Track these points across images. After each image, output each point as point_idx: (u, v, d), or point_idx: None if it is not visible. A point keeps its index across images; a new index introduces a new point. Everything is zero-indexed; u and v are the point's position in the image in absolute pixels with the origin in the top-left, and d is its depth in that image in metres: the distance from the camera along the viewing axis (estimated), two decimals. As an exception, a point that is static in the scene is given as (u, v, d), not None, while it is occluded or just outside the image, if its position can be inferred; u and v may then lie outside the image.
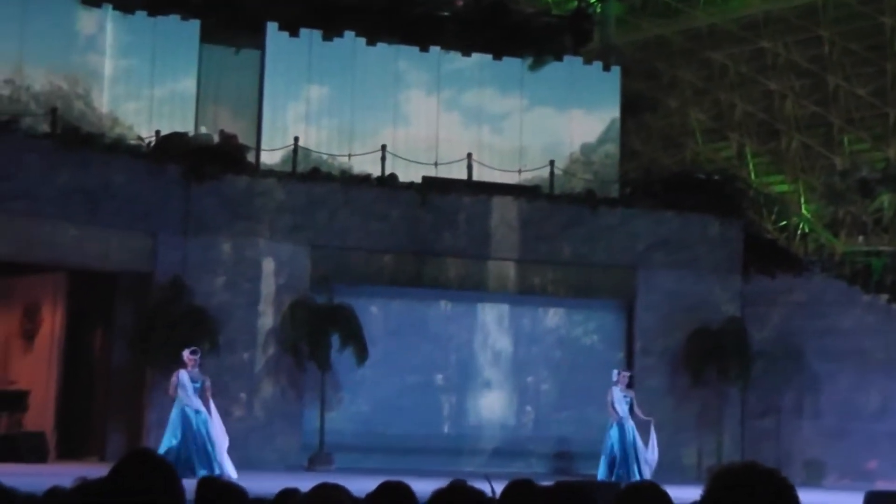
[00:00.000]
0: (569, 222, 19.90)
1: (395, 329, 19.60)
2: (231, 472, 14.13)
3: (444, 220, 19.48)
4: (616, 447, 15.88)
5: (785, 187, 30.00)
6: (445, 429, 19.78)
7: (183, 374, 14.59)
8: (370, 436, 19.04)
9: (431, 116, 21.00)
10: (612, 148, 21.76)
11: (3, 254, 17.07)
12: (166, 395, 16.62)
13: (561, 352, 20.27)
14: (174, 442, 14.43)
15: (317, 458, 18.02)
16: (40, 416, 18.23)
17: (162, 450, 14.00)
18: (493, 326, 20.08)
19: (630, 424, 15.99)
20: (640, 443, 15.93)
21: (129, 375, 18.15)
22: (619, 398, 16.07)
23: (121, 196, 17.62)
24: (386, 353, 19.25)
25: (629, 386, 16.36)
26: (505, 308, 20.17)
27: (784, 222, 28.67)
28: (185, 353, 14.84)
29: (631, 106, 22.46)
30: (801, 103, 29.45)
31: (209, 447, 14.42)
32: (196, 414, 14.53)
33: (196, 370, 14.68)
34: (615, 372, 16.45)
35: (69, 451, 18.49)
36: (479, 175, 20.35)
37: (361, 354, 18.25)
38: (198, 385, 14.55)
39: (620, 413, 15.96)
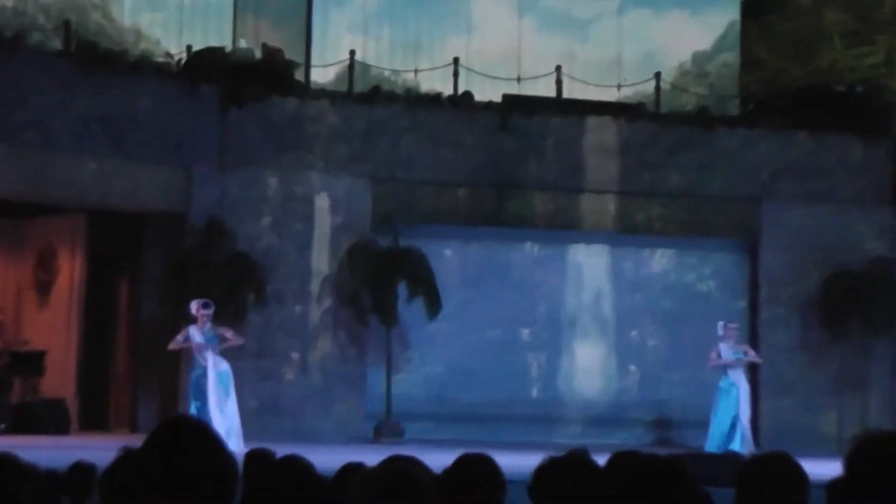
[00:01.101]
0: (678, 146, 19.57)
1: (473, 276, 19.62)
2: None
3: (529, 146, 19.29)
4: (722, 413, 16.07)
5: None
6: (533, 393, 19.80)
7: (193, 331, 14.68)
8: (445, 402, 19.07)
9: (511, 22, 20.83)
10: (731, 57, 21.55)
11: (12, 192, 17.02)
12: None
13: (670, 301, 20.09)
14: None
15: (383, 428, 18.02)
16: (59, 380, 18.16)
17: None
18: (589, 272, 20.00)
19: (739, 388, 16.13)
20: (744, 414, 16.07)
21: (161, 332, 17.74)
22: (729, 356, 16.20)
23: (147, 124, 17.66)
24: (462, 305, 19.24)
25: (733, 339, 16.41)
26: (603, 250, 20.11)
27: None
28: (195, 306, 14.82)
29: (753, 5, 22.03)
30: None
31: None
32: (217, 374, 14.66)
33: (208, 326, 14.74)
34: (720, 325, 16.47)
35: (93, 420, 18.57)
36: (570, 92, 20.05)
37: (433, 306, 18.18)
38: (214, 343, 14.70)
39: (731, 374, 16.19)
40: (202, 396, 14.59)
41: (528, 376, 19.68)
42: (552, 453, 3.64)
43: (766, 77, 23.99)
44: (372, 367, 18.49)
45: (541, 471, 3.58)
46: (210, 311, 14.79)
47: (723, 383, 16.17)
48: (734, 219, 19.77)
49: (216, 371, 14.68)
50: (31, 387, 17.88)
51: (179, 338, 14.81)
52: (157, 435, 2.81)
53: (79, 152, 17.06)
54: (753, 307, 19.59)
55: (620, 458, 3.49)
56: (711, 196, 19.58)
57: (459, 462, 3.70)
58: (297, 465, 3.74)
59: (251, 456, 4.35)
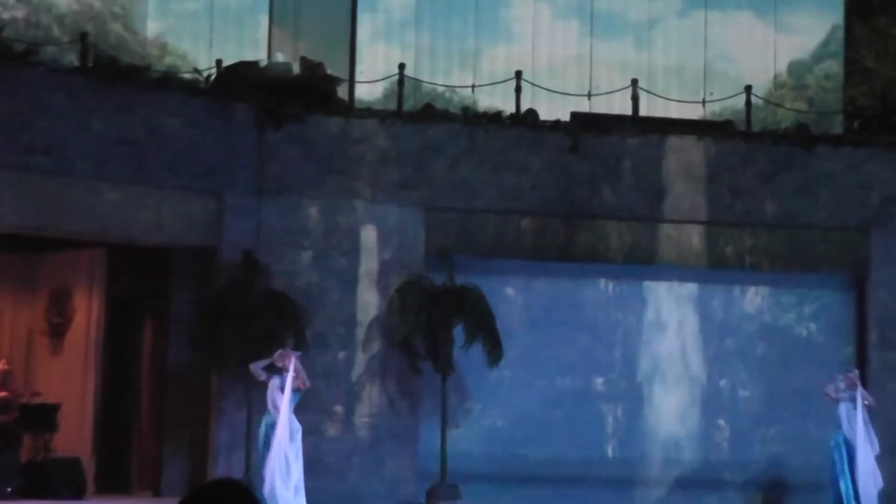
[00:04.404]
0: (774, 169, 19.75)
1: (539, 317, 19.64)
2: None
3: (603, 170, 19.46)
4: (839, 468, 16.28)
5: None
6: (609, 451, 19.80)
7: (275, 388, 15.05)
8: (508, 460, 19.10)
9: (580, 29, 21.04)
10: (834, 66, 21.64)
11: (22, 225, 17.28)
12: (238, 407, 17.34)
13: (766, 346, 20.16)
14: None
15: (438, 491, 18.16)
16: (75, 437, 18.40)
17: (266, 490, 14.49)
18: (672, 312, 20.04)
19: (858, 440, 16.42)
20: (860, 467, 16.28)
21: (190, 383, 18.38)
22: (845, 399, 16.57)
23: (174, 147, 17.83)
24: (527, 350, 19.36)
25: (852, 386, 16.75)
26: (687, 287, 20.13)
27: None
28: (283, 355, 15.24)
29: (859, 7, 22.07)
30: None
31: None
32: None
33: (292, 375, 15.08)
34: (839, 378, 16.93)
35: (112, 483, 18.71)
36: (649, 108, 20.38)
37: (494, 352, 18.29)
38: (298, 395, 15.06)
39: (845, 422, 16.44)
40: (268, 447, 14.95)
41: (603, 431, 19.63)
42: None
43: (875, 89, 24.18)
44: (425, 420, 18.56)
45: None
46: (294, 358, 15.16)
47: (836, 439, 16.55)
48: (839, 251, 19.81)
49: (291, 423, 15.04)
50: (43, 444, 18.01)
51: (263, 380, 15.12)
52: (194, 500, 2.77)
53: (97, 179, 17.23)
54: (861, 353, 19.55)
55: None
56: (812, 225, 19.68)
57: None
58: None
59: None
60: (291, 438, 15.06)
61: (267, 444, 14.97)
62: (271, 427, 15.03)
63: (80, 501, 17.09)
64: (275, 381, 15.19)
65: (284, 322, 17.69)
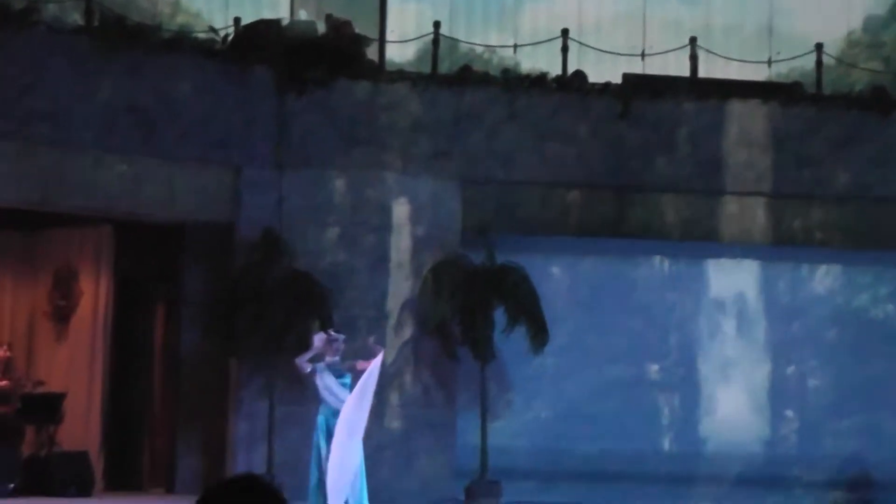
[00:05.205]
0: (846, 136, 19.60)
1: (588, 299, 19.65)
2: None
3: (657, 138, 19.35)
4: None
5: None
6: (664, 445, 19.80)
7: (326, 375, 14.79)
8: (554, 455, 19.01)
9: None
10: None
11: (22, 200, 17.23)
12: (259, 398, 17.38)
13: (837, 330, 20.07)
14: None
15: (477, 488, 18.15)
16: (81, 429, 18.41)
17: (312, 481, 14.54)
18: (733, 293, 19.95)
19: None
20: None
21: (205, 371, 18.38)
22: None
23: (186, 115, 17.85)
24: (574, 335, 19.33)
25: None
26: (750, 266, 20.08)
27: None
28: (321, 338, 14.99)
29: None
30: None
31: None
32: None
33: (337, 360, 14.90)
34: None
35: (122, 478, 18.77)
36: (708, 69, 20.23)
37: (538, 336, 18.25)
38: (346, 382, 14.84)
39: None
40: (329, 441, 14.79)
41: (658, 423, 19.65)
42: None
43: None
44: (463, 412, 18.61)
45: None
46: (341, 342, 14.93)
47: None
48: (919, 226, 19.57)
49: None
50: (47, 437, 18.01)
51: (309, 371, 14.84)
52: (212, 500, 2.79)
53: (103, 150, 17.28)
54: (945, 336, 19.13)
55: None
56: (888, 198, 19.55)
57: None
58: None
59: None
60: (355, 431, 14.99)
61: (329, 436, 14.77)
62: (331, 416, 14.80)
63: (88, 499, 17.05)
64: (321, 368, 14.93)
65: (308, 305, 17.73)
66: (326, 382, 14.76)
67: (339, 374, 14.82)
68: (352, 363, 14.96)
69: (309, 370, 14.94)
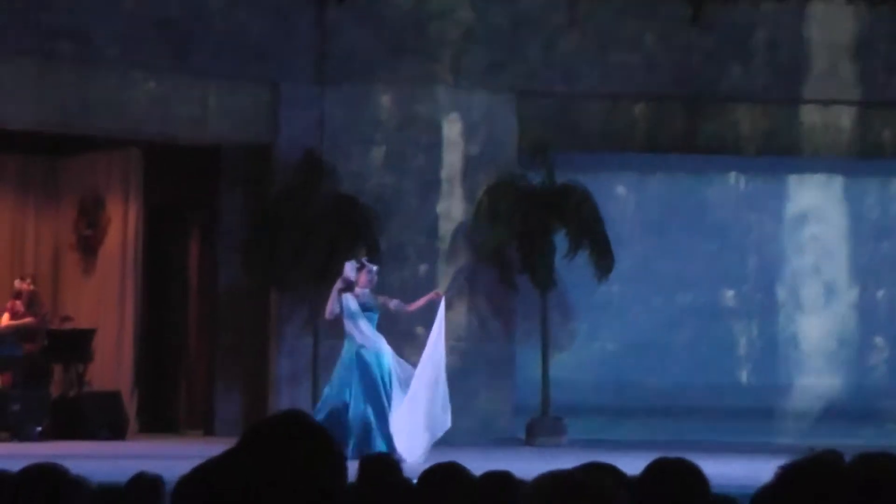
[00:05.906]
0: None
1: (656, 221, 19.71)
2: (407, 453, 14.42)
3: (731, 44, 19.30)
4: None
5: None
6: (742, 377, 19.76)
7: (350, 301, 14.86)
8: (621, 390, 19.05)
9: None
10: None
11: (43, 122, 17.30)
12: (301, 333, 17.61)
13: None
14: (337, 401, 14.87)
15: (539, 426, 18.21)
16: (112, 368, 18.57)
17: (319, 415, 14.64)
18: (816, 211, 19.93)
19: None
20: None
21: (244, 305, 18.53)
22: None
23: (219, 28, 17.87)
24: (642, 260, 19.37)
25: None
26: (835, 181, 20.07)
27: None
28: (353, 266, 15.07)
29: None
30: None
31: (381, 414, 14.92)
32: (377, 359, 14.93)
33: (367, 292, 15.04)
34: None
35: (158, 421, 19.01)
36: None
37: (603, 262, 18.25)
38: (374, 315, 15.02)
39: None
40: (347, 383, 14.86)
41: (734, 355, 19.62)
42: (788, 457, 3.56)
43: None
44: (522, 344, 18.65)
45: (782, 481, 3.51)
46: (374, 273, 15.03)
47: None
48: None
49: (378, 353, 14.93)
50: (76, 377, 18.14)
51: (335, 308, 14.87)
52: (256, 438, 2.83)
53: (130, 67, 17.27)
54: None
55: (869, 462, 3.59)
56: None
57: (652, 470, 3.74)
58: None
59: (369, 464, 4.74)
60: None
61: (345, 378, 14.94)
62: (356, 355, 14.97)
63: (121, 442, 17.10)
64: (347, 300, 14.94)
65: (353, 231, 17.77)
66: (353, 312, 14.84)
67: (367, 308, 14.90)
68: (385, 299, 15.10)
69: (334, 310, 14.99)
